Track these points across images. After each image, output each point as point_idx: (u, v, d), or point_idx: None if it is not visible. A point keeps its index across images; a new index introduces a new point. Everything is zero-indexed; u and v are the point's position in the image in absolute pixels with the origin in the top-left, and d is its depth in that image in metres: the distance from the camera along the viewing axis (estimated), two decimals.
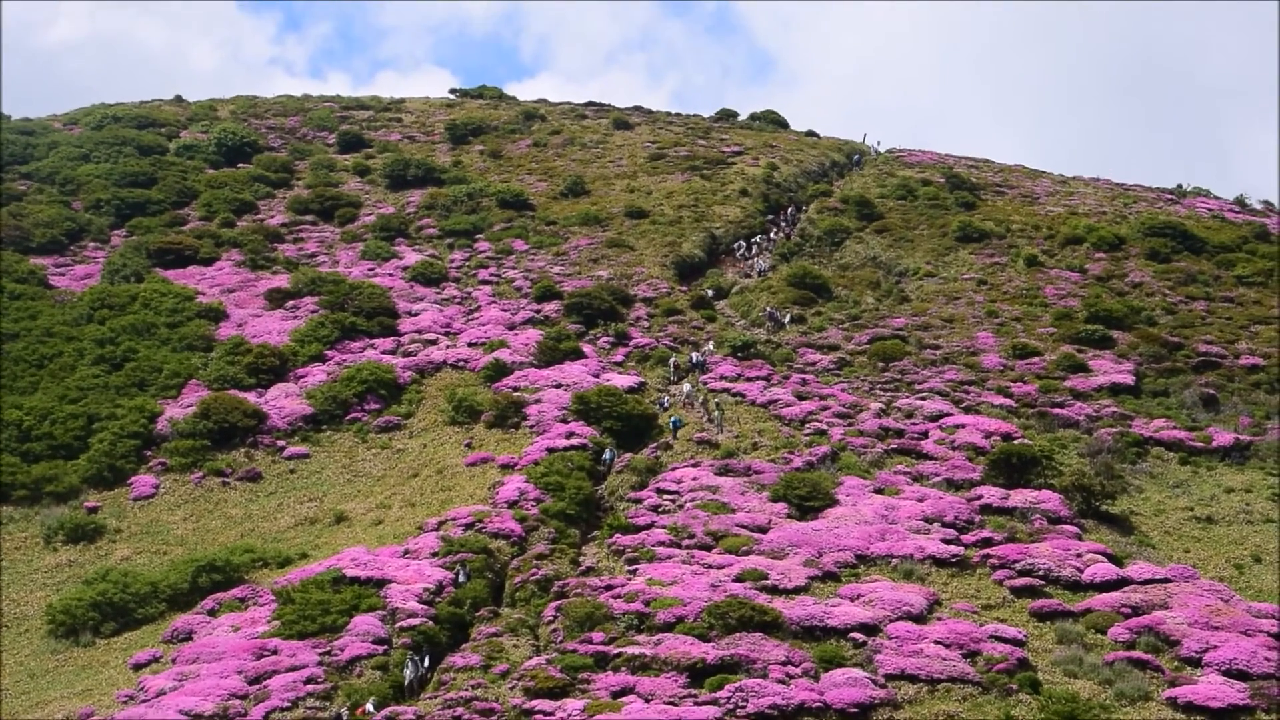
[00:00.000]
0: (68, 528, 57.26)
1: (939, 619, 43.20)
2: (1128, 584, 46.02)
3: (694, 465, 57.17)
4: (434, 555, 49.57)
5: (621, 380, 66.85)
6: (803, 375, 68.05)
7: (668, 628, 42.33)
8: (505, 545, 51.11)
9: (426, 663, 42.85)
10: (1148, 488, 57.22)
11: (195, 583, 51.01)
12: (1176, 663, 40.99)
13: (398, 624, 44.68)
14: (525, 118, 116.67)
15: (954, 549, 48.64)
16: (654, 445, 60.02)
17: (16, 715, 43.20)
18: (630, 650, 40.88)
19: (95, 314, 74.73)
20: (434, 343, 73.58)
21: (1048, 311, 75.94)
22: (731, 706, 37.61)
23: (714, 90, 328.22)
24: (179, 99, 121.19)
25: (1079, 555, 47.98)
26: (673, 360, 69.96)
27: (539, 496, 54.53)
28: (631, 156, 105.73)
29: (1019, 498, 53.20)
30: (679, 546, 49.17)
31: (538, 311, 76.93)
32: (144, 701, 41.40)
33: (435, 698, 39.99)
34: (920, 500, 52.89)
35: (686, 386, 66.13)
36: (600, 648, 41.36)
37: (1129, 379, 67.13)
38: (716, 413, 62.35)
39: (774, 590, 44.91)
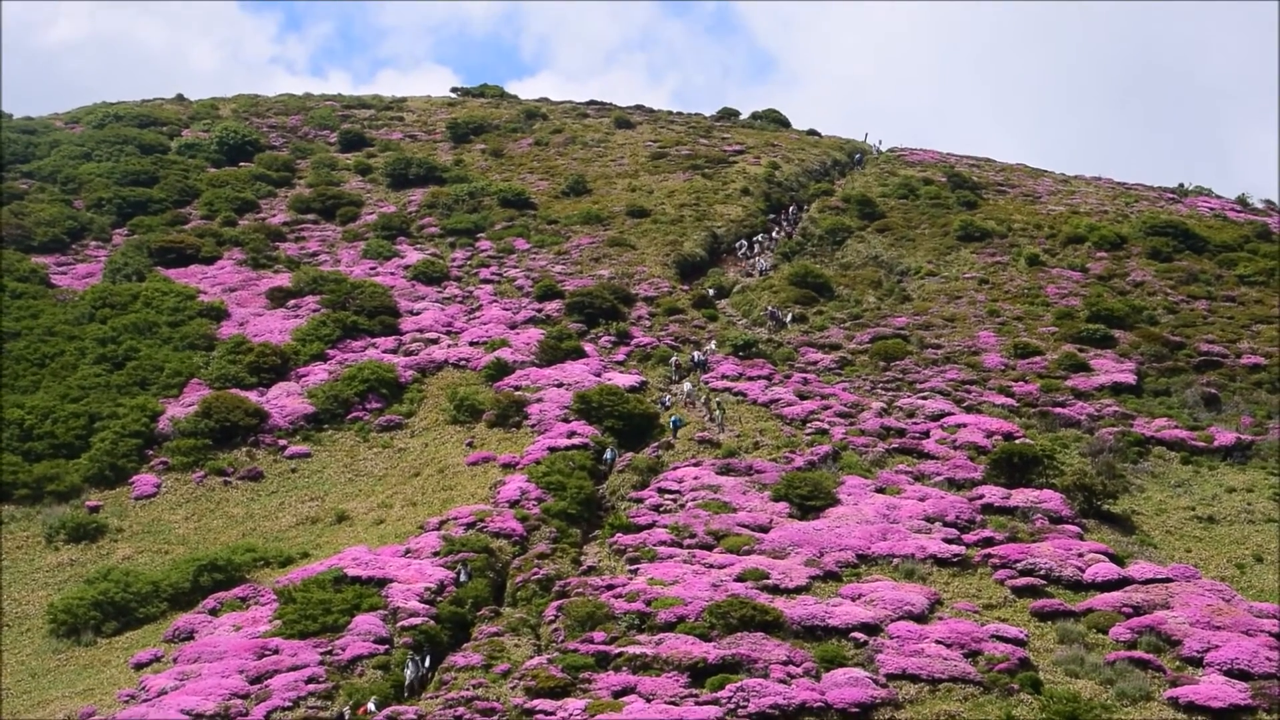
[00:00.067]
0: (69, 527, 57.28)
1: (940, 619, 43.19)
2: (1129, 584, 46.01)
3: (695, 465, 57.16)
4: (435, 555, 49.57)
5: (623, 379, 66.84)
6: (804, 374, 68.04)
7: (669, 627, 42.33)
8: (507, 545, 51.11)
9: (427, 662, 42.85)
10: (1149, 487, 57.19)
11: (197, 582, 51.04)
12: (1178, 662, 40.98)
13: (399, 623, 44.69)
14: (527, 116, 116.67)
15: (955, 548, 48.63)
16: (655, 445, 60.02)
17: (18, 714, 43.22)
18: (631, 650, 40.87)
19: (97, 313, 74.75)
20: (435, 342, 73.58)
21: (1049, 311, 75.91)
22: (733, 706, 37.60)
23: (714, 90, 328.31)
24: (181, 98, 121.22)
25: (1080, 555, 47.97)
26: (674, 359, 69.95)
27: (540, 496, 54.53)
28: (633, 155, 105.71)
29: (1020, 497, 53.18)
30: (680, 546, 49.16)
31: (539, 310, 76.94)
32: (145, 701, 41.41)
33: (436, 697, 39.99)
34: (922, 500, 52.89)
35: (687, 385, 66.13)
36: (601, 647, 41.36)
37: (1130, 378, 67.11)
38: (718, 412, 62.34)
39: (775, 590, 44.90)
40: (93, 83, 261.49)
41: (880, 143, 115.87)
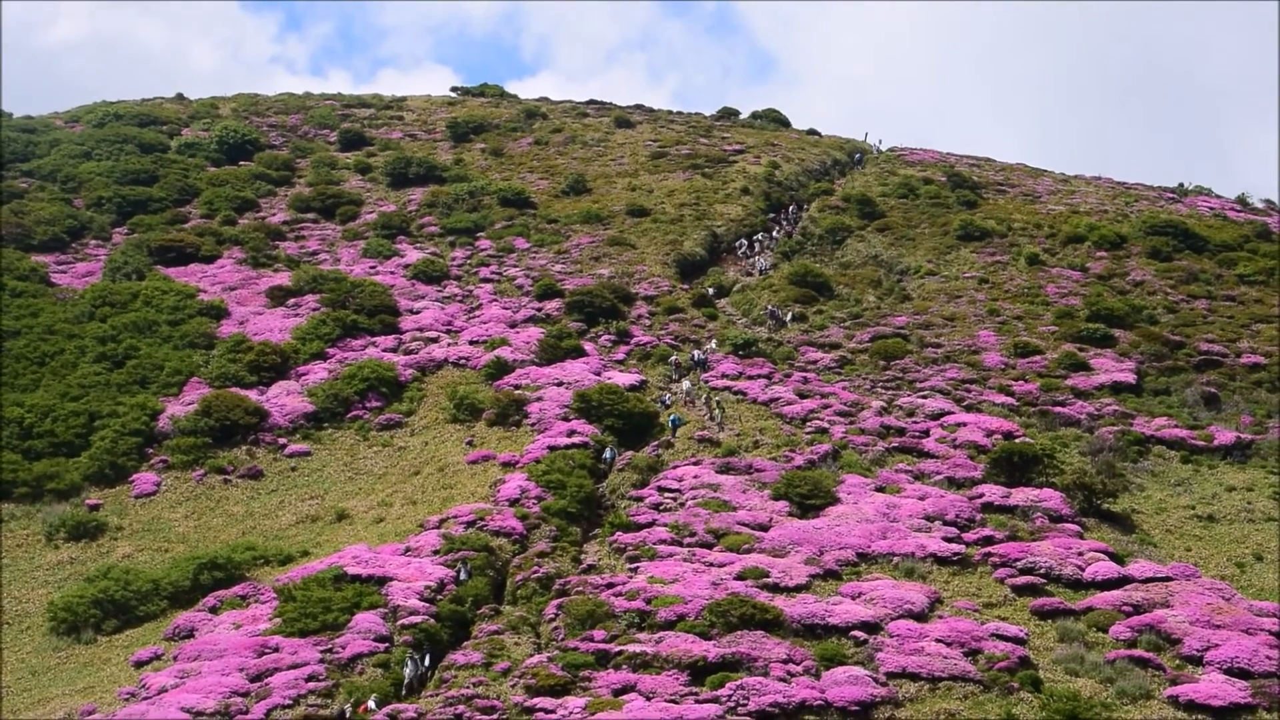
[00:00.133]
0: (69, 525, 57.28)
1: (940, 617, 43.20)
2: (1129, 582, 46.01)
3: (695, 463, 57.16)
4: (435, 553, 49.58)
5: (623, 378, 66.84)
6: (804, 373, 68.04)
7: (669, 626, 42.33)
8: (506, 543, 51.11)
9: (427, 661, 42.86)
10: (1149, 486, 57.20)
11: (197, 580, 51.04)
12: (1178, 661, 40.99)
13: (399, 622, 44.69)
14: (527, 116, 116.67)
15: (955, 547, 48.63)
16: (655, 443, 60.02)
17: (18, 712, 43.23)
18: (631, 648, 40.87)
19: (97, 311, 74.75)
20: (435, 341, 73.58)
21: (1049, 310, 75.91)
22: (733, 704, 37.60)
23: (714, 90, 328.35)
24: (180, 97, 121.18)
25: (1080, 554, 47.98)
26: (674, 358, 69.95)
27: (540, 494, 54.54)
28: (633, 155, 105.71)
29: (1020, 496, 53.19)
30: (680, 544, 49.16)
31: (539, 309, 76.94)
32: (145, 699, 41.41)
33: (436, 695, 39.99)
34: (921, 498, 52.89)
35: (686, 384, 66.13)
36: (601, 646, 41.36)
37: (1130, 377, 67.11)
38: (717, 411, 62.34)
39: (775, 588, 44.91)
40: (92, 82, 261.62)
41: (880, 142, 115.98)
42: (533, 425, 62.60)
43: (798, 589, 45.01)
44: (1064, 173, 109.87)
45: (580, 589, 45.92)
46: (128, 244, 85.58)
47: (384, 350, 72.47)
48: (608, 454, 59.22)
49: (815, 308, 77.36)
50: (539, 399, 64.68)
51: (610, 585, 45.79)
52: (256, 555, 52.99)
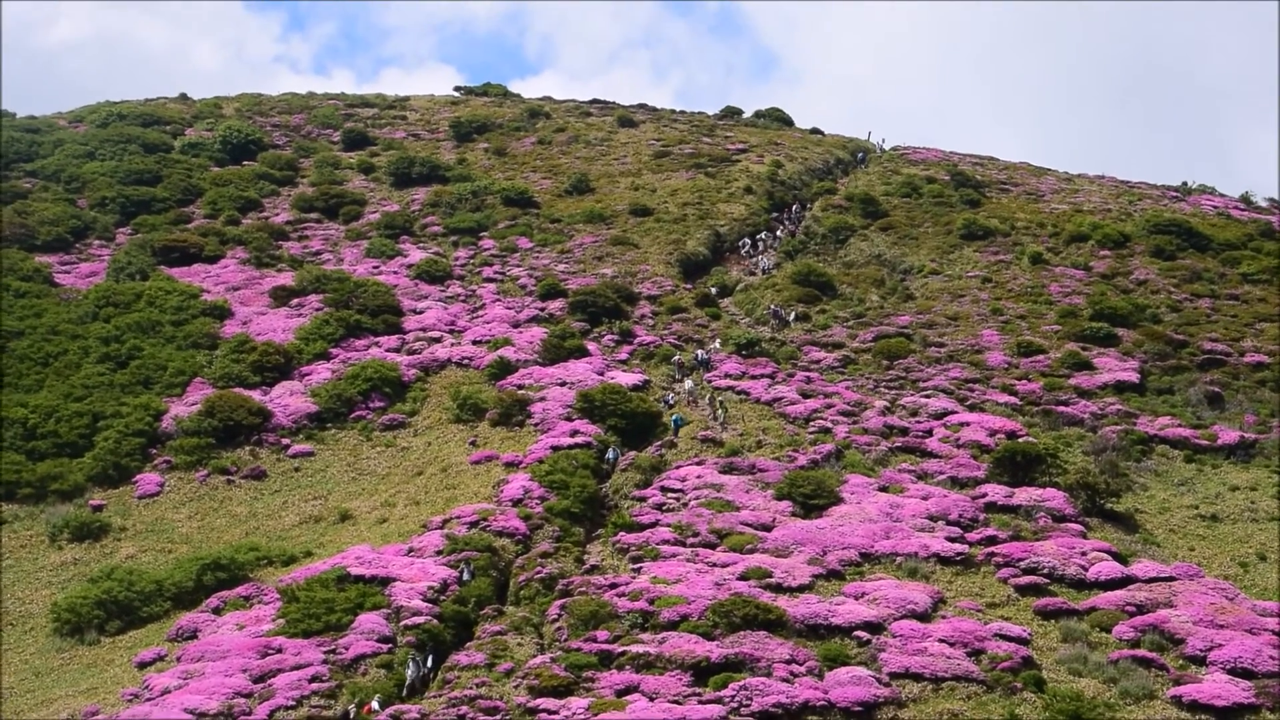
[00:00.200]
0: (73, 526, 57.33)
1: (943, 617, 43.19)
2: (1132, 582, 45.97)
3: (698, 463, 57.15)
4: (438, 553, 49.57)
5: (626, 378, 66.83)
6: (807, 373, 68.02)
7: (672, 626, 42.34)
8: (510, 543, 51.10)
9: (430, 661, 42.88)
10: (1152, 486, 57.17)
11: (200, 581, 51.08)
12: (1181, 661, 40.95)
13: (402, 622, 44.71)
14: (530, 115, 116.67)
15: (958, 547, 48.60)
16: (658, 443, 60.02)
17: (22, 713, 43.27)
18: (635, 649, 40.88)
19: (100, 312, 74.80)
20: (438, 341, 73.59)
21: (1052, 309, 75.86)
22: (736, 705, 37.61)
23: (718, 89, 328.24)
24: (184, 97, 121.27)
25: (1083, 553, 47.94)
26: (677, 358, 69.93)
27: (543, 495, 54.54)
28: (636, 154, 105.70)
29: (1024, 496, 53.14)
30: (683, 545, 49.15)
31: (542, 309, 76.94)
32: (149, 700, 41.44)
33: (440, 696, 40.01)
34: (925, 498, 52.86)
35: (689, 383, 66.11)
36: (605, 646, 41.37)
37: (1134, 377, 67.06)
38: (720, 411, 62.32)
39: (778, 588, 44.90)
40: (94, 82, 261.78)
41: (883, 141, 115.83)
42: (536, 425, 62.59)
43: (801, 589, 45.01)
44: (1067, 172, 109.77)
45: (583, 589, 45.92)
46: (131, 244, 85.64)
47: (387, 350, 72.49)
48: (610, 454, 59.21)
49: (818, 307, 77.32)
50: (542, 399, 64.68)
51: (613, 586, 45.79)
52: (260, 556, 53.02)
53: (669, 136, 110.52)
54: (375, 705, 39.74)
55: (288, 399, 67.42)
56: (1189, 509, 54.86)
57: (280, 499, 60.23)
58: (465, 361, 71.03)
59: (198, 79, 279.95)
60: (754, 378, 66.90)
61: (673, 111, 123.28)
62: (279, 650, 43.30)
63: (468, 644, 43.89)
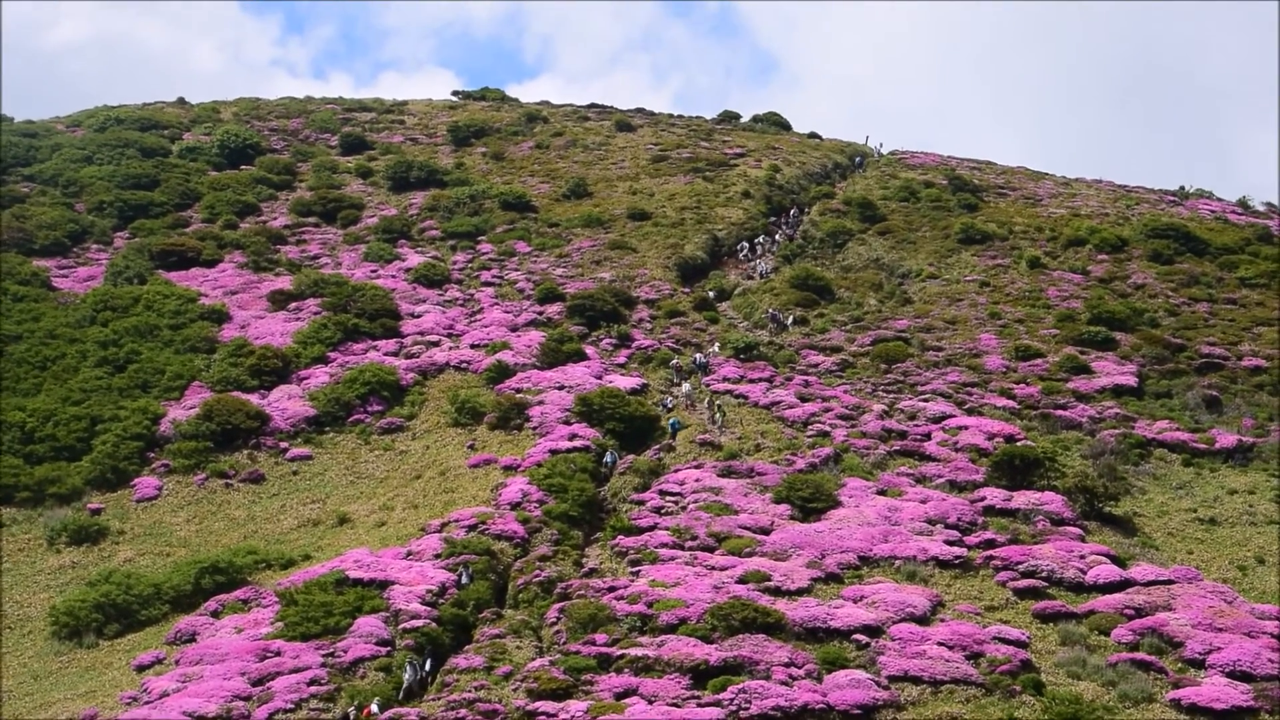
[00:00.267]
0: (71, 529, 57.30)
1: (942, 620, 43.22)
2: (1131, 585, 46.04)
3: (697, 467, 57.18)
4: (437, 557, 49.59)
5: (624, 382, 66.87)
6: (805, 377, 68.05)
7: (671, 629, 42.36)
8: (508, 547, 51.12)
9: (428, 665, 42.89)
10: (1151, 489, 57.21)
11: (198, 584, 51.04)
12: (1180, 664, 40.99)
13: (401, 625, 44.72)
14: (528, 120, 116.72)
15: (957, 550, 48.65)
16: (657, 447, 60.05)
17: (20, 716, 43.23)
18: (633, 652, 40.90)
19: (98, 316, 74.79)
20: (437, 344, 73.59)
21: (1050, 313, 75.90)
22: (734, 708, 37.63)
23: (717, 91, 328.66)
24: (182, 101, 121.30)
25: (1082, 557, 47.99)
26: (675, 362, 69.96)
27: (542, 498, 54.56)
28: (634, 158, 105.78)
29: (1022, 499, 53.20)
30: (682, 548, 49.17)
31: (540, 313, 76.95)
32: (147, 703, 41.44)
33: (438, 699, 40.01)
34: (923, 502, 52.90)
35: (686, 387, 66.13)
36: (603, 649, 41.39)
37: (1132, 380, 67.11)
38: (719, 414, 62.34)
39: (777, 592, 44.92)
40: (93, 85, 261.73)
41: (881, 145, 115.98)
42: (534, 429, 62.61)
43: (799, 592, 45.03)
44: (1065, 176, 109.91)
45: (582, 593, 45.94)
46: (129, 248, 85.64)
47: (385, 354, 72.49)
48: (608, 457, 59.22)
49: (816, 311, 77.38)
50: (540, 403, 64.70)
51: (612, 589, 45.81)
52: (258, 559, 53.00)
53: (667, 141, 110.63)
54: (374, 708, 39.75)
55: (286, 403, 67.42)
56: (1187, 512, 54.90)
57: (278, 502, 60.22)
58: (463, 365, 71.03)
59: (196, 82, 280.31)
60: (752, 381, 66.95)
61: (670, 116, 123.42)
62: (277, 653, 43.31)
63: (466, 647, 43.90)
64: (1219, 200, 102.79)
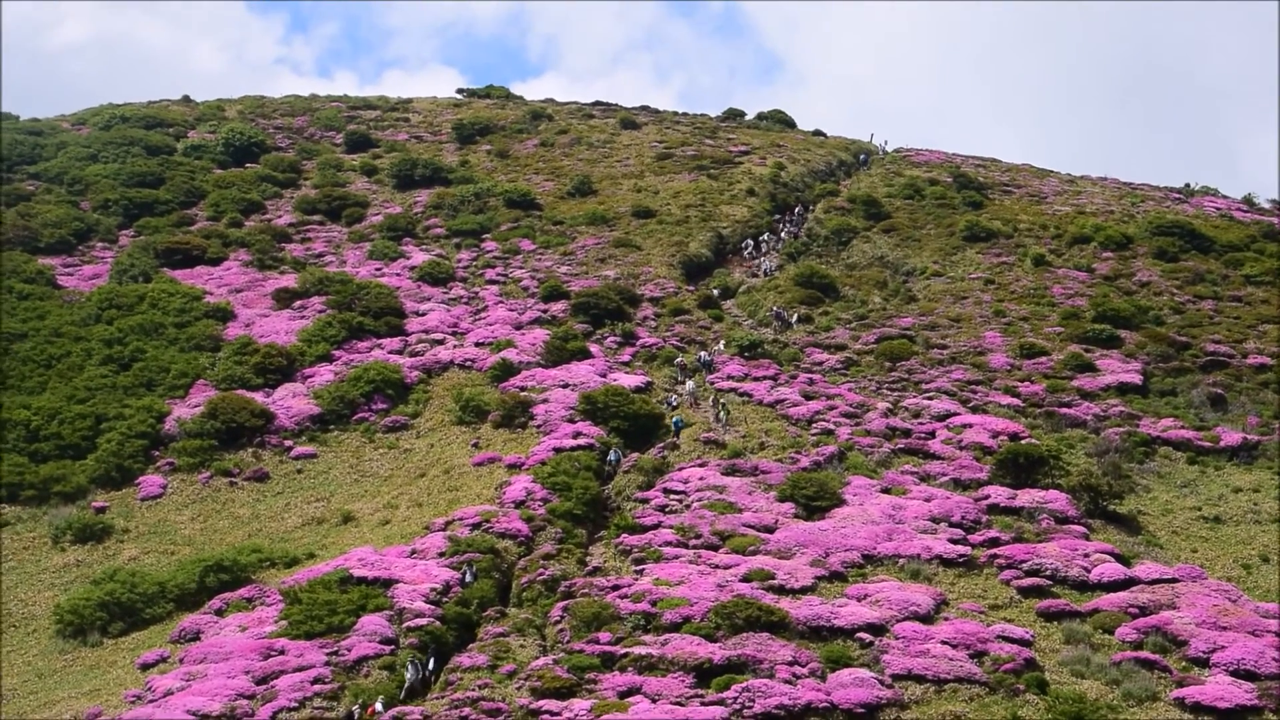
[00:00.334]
0: (75, 528, 57.37)
1: (946, 619, 43.19)
2: (1135, 584, 45.99)
3: (701, 465, 57.17)
4: (441, 555, 49.62)
5: (628, 380, 66.87)
6: (810, 375, 68.02)
7: (675, 628, 42.35)
8: (512, 545, 51.14)
9: (432, 664, 42.90)
10: (1155, 487, 57.16)
11: (203, 583, 51.08)
12: (1184, 663, 40.94)
13: (405, 624, 44.74)
14: (532, 117, 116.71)
15: (961, 549, 48.60)
16: (661, 445, 60.04)
17: (24, 715, 43.29)
18: (637, 650, 40.90)
19: (103, 314, 74.86)
20: (441, 342, 73.61)
21: (1055, 311, 75.84)
22: (738, 707, 37.62)
23: (721, 90, 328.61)
24: (187, 99, 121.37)
25: (1086, 555, 47.94)
26: (679, 360, 69.94)
27: (546, 496, 54.57)
28: (638, 156, 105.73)
29: (1026, 497, 53.14)
30: (686, 546, 49.17)
31: (545, 311, 76.95)
32: (151, 701, 41.48)
33: (442, 698, 40.03)
34: (927, 500, 52.87)
35: (690, 385, 66.12)
36: (607, 648, 41.39)
37: (1136, 378, 67.03)
38: (723, 412, 62.32)
39: (781, 590, 44.90)
40: (97, 85, 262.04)
41: (886, 143, 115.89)
42: (538, 427, 62.62)
43: (803, 591, 45.01)
44: (1070, 173, 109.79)
45: (586, 591, 45.94)
46: (134, 246, 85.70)
47: (390, 352, 72.52)
48: (613, 456, 59.21)
49: (821, 309, 77.35)
50: (544, 401, 64.71)
51: (616, 587, 45.80)
52: (262, 557, 53.03)
53: (671, 138, 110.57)
54: (379, 707, 39.77)
55: (290, 401, 67.46)
56: (1192, 511, 54.84)
57: (283, 501, 60.27)
58: (468, 363, 71.05)
59: (200, 81, 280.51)
60: (756, 379, 66.92)
61: (675, 113, 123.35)
62: (281, 652, 43.33)
63: (470, 645, 43.92)
64: (1224, 198, 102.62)
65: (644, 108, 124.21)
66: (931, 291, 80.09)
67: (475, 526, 51.95)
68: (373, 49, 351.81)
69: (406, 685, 41.51)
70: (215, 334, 73.77)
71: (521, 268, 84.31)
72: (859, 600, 44.25)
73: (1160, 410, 64.22)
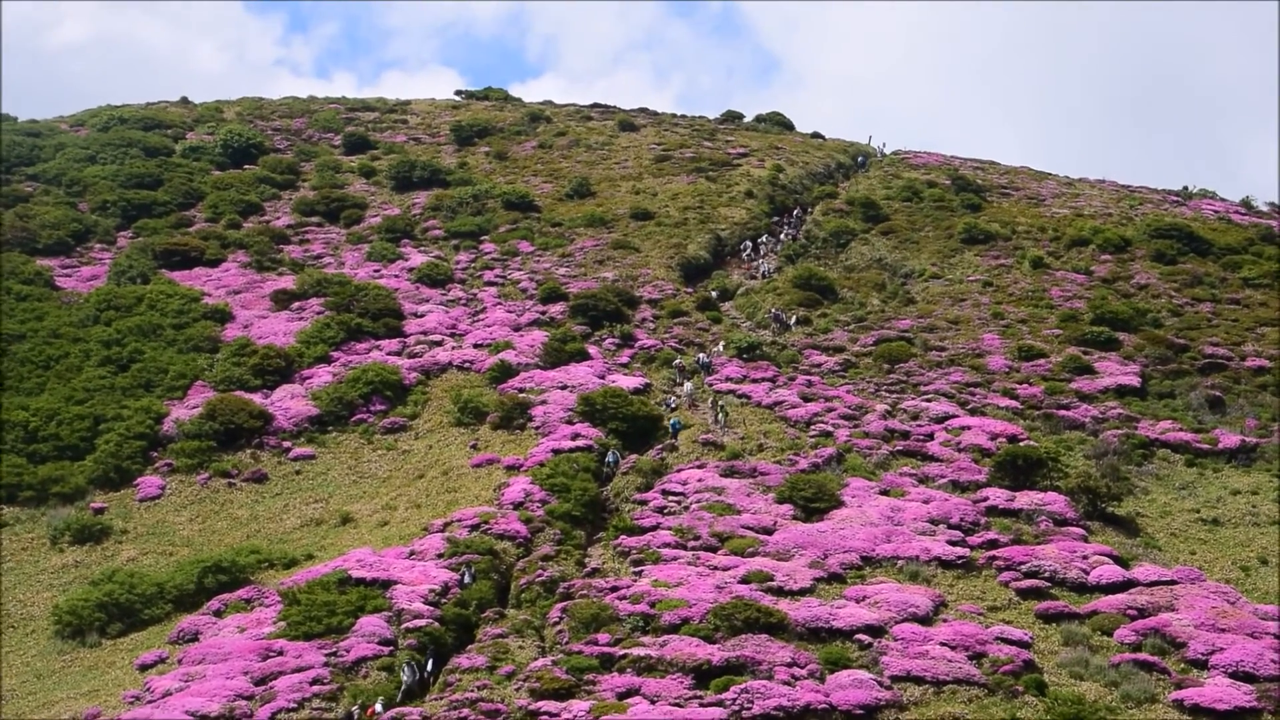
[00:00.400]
0: (74, 528, 57.35)
1: (945, 620, 43.22)
2: (1134, 586, 46.03)
3: (699, 467, 57.19)
4: (440, 556, 49.62)
5: (627, 381, 66.88)
6: (808, 377, 68.04)
7: (673, 629, 42.37)
8: (511, 546, 51.15)
9: (430, 665, 42.90)
10: (1154, 490, 57.19)
11: (201, 584, 51.08)
12: (1183, 665, 40.98)
13: (403, 625, 44.74)
14: (531, 119, 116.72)
15: (960, 551, 48.63)
16: (659, 447, 60.05)
17: (23, 715, 43.27)
18: (636, 651, 40.91)
19: (101, 315, 74.84)
20: (439, 344, 73.62)
21: (1053, 313, 75.87)
22: (737, 708, 37.64)
23: (719, 92, 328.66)
24: (185, 101, 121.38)
25: (1085, 557, 47.98)
26: (678, 361, 69.94)
27: (544, 498, 54.57)
28: (637, 158, 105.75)
29: (1025, 499, 53.18)
30: (684, 548, 49.18)
31: (543, 313, 76.97)
32: (150, 702, 41.48)
33: (441, 699, 40.03)
34: (926, 502, 52.89)
35: (689, 387, 66.13)
36: (606, 649, 41.40)
37: (1135, 381, 67.07)
38: (722, 414, 62.33)
39: (779, 592, 44.92)
40: (95, 85, 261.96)
41: (884, 145, 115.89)
42: (537, 429, 62.63)
43: (802, 592, 45.03)
44: (1068, 176, 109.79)
45: (584, 592, 45.95)
46: (132, 248, 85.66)
47: (388, 354, 72.51)
48: (611, 457, 59.23)
49: (819, 311, 77.37)
50: (543, 402, 64.72)
51: (614, 589, 45.82)
52: (261, 558, 53.04)
53: (670, 140, 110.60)
54: (379, 708, 39.77)
55: (289, 402, 67.46)
56: (1190, 513, 54.88)
57: (281, 502, 60.26)
58: (466, 365, 71.05)
59: (199, 81, 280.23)
60: (755, 381, 66.94)
61: (674, 115, 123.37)
62: (280, 653, 43.33)
63: (469, 647, 43.93)
64: (1222, 200, 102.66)
65: (642, 110, 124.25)
66: (930, 294, 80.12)
67: (474, 528, 51.96)
68: (371, 50, 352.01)
69: (403, 688, 41.50)
70: (213, 335, 73.77)
71: (520, 269, 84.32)
72: (858, 602, 44.27)
73: (1159, 412, 64.26)
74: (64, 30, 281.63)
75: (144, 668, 45.27)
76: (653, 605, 43.70)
